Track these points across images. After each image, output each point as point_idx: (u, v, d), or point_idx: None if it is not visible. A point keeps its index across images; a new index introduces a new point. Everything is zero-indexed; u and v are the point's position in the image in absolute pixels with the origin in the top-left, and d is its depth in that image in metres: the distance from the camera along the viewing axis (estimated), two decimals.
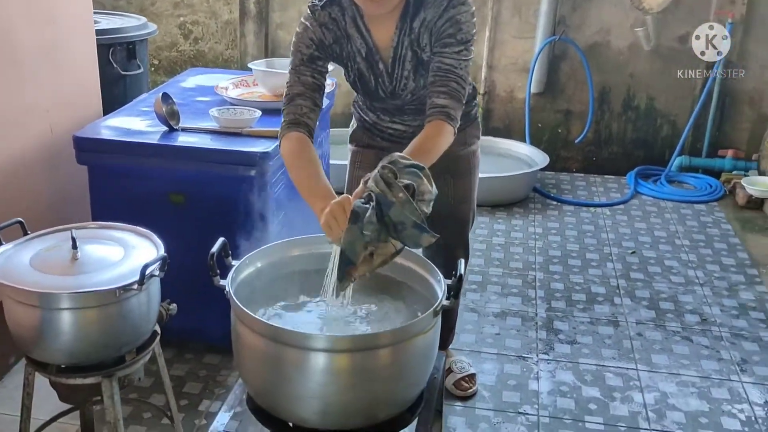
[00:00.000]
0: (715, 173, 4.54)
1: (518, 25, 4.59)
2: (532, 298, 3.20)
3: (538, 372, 2.68)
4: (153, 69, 4.92)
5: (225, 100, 2.80)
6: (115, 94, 3.37)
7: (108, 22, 3.62)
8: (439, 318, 1.50)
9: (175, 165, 2.42)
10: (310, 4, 1.95)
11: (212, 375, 2.59)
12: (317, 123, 1.92)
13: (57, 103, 2.71)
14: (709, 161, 4.57)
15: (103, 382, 1.77)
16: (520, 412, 2.47)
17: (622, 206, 4.24)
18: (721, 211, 4.18)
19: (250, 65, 2.99)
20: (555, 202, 4.27)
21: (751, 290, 3.31)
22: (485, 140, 4.70)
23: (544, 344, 2.86)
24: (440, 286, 1.54)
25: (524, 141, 4.63)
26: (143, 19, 3.83)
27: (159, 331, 1.91)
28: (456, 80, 1.86)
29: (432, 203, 1.53)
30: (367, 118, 2.24)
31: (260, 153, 2.37)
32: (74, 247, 1.75)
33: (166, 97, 2.51)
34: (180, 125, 2.53)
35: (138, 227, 1.91)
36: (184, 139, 2.46)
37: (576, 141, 4.66)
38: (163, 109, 2.48)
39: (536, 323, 3.01)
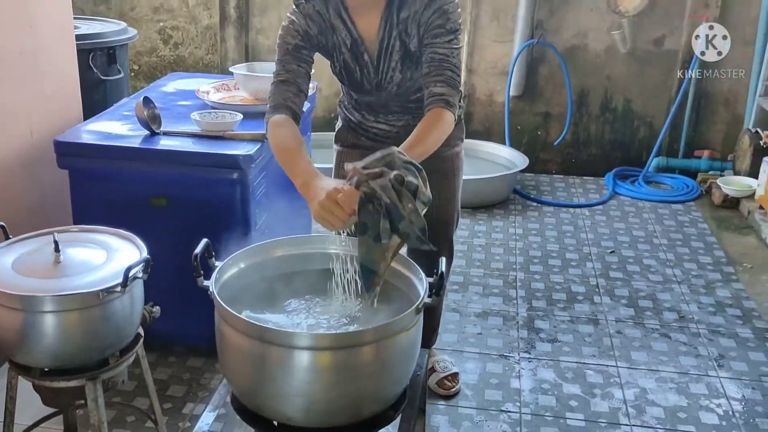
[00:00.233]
0: (692, 173, 4.61)
1: (497, 29, 4.63)
2: (513, 298, 3.24)
3: (519, 370, 2.71)
4: (133, 74, 4.91)
5: (206, 104, 2.81)
6: (96, 99, 3.36)
7: (88, 27, 3.62)
8: (422, 316, 1.52)
9: (157, 168, 2.43)
10: None
11: (196, 378, 2.60)
12: (303, 110, 1.93)
13: (37, 107, 2.70)
14: (686, 162, 4.65)
15: (87, 385, 1.77)
16: (502, 410, 2.49)
17: (600, 207, 4.29)
18: (697, 210, 4.25)
19: (231, 69, 3.00)
20: (535, 204, 4.31)
21: (727, 287, 3.37)
22: (466, 143, 4.73)
23: (525, 343, 2.89)
24: (422, 284, 1.56)
25: (504, 143, 4.67)
26: (123, 24, 3.83)
27: (142, 334, 1.91)
28: (451, 68, 1.90)
29: (426, 208, 1.55)
30: (352, 118, 2.26)
31: (242, 156, 2.38)
32: (57, 250, 1.76)
33: (147, 101, 2.52)
34: (161, 129, 2.53)
35: (120, 230, 1.92)
36: (165, 143, 2.47)
37: (555, 143, 4.71)
38: (145, 113, 2.48)
39: (517, 322, 3.04)
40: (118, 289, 1.69)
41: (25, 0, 2.61)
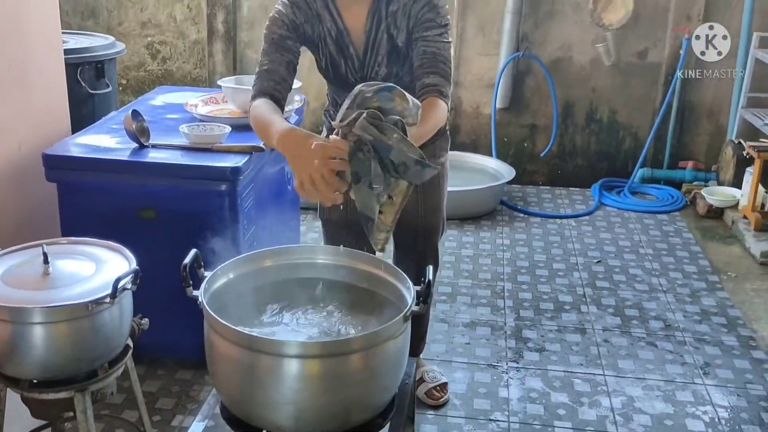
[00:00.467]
0: (676, 184, 4.66)
1: (482, 42, 4.68)
2: (500, 308, 3.26)
3: (507, 379, 2.73)
4: (121, 89, 4.91)
5: (194, 117, 2.83)
6: (84, 113, 3.37)
7: (76, 41, 3.63)
8: (409, 323, 1.54)
9: (145, 181, 2.44)
10: None
11: (185, 390, 2.60)
12: (286, 97, 1.94)
13: (25, 121, 2.71)
14: (671, 173, 4.70)
15: (76, 396, 1.77)
16: (491, 419, 2.51)
17: (587, 217, 4.33)
18: (682, 220, 4.30)
19: (219, 82, 3.02)
20: (522, 215, 4.35)
21: (712, 296, 3.40)
22: (453, 155, 4.78)
23: (513, 352, 2.91)
24: (409, 292, 1.57)
25: (491, 155, 4.71)
26: (111, 39, 3.83)
27: (131, 345, 1.92)
28: (443, 61, 1.93)
29: (417, 118, 1.52)
30: None
31: (231, 168, 2.39)
32: (46, 262, 1.76)
33: (136, 114, 2.53)
34: (150, 142, 2.55)
35: (109, 242, 1.92)
36: (154, 155, 2.48)
37: (541, 154, 4.75)
38: (134, 126, 2.50)
39: (505, 332, 3.06)
40: (107, 300, 1.70)
41: (14, 14, 2.62)
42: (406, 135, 1.46)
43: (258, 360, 1.40)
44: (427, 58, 1.93)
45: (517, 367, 2.81)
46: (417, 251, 2.40)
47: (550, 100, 4.61)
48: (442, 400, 2.58)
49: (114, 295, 1.69)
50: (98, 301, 1.69)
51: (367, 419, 1.51)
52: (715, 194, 4.30)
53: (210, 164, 2.41)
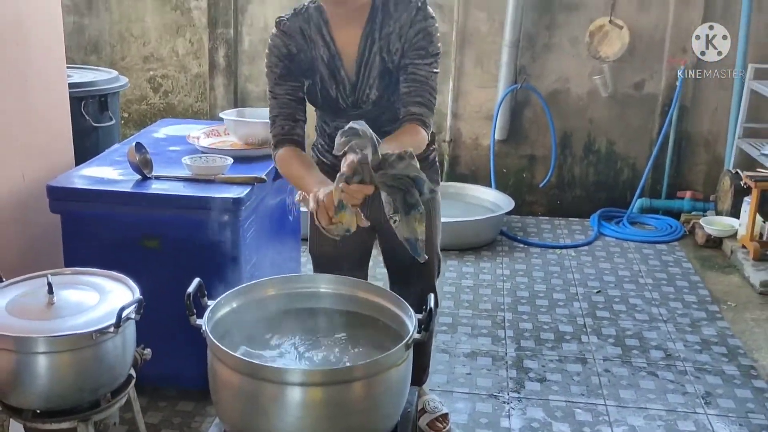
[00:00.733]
0: (675, 214, 4.69)
1: (480, 75, 4.74)
2: (501, 338, 3.26)
3: (509, 410, 2.73)
4: (123, 122, 4.96)
5: (197, 148, 2.86)
6: (87, 146, 3.41)
7: (80, 75, 3.69)
8: (411, 351, 1.55)
9: (149, 212, 2.46)
10: (277, 19, 2.05)
11: (187, 422, 2.59)
12: (304, 134, 2.01)
13: (30, 153, 2.75)
14: (669, 202, 4.73)
15: (79, 427, 1.78)
16: None
17: (586, 247, 4.35)
18: (681, 250, 4.31)
19: (221, 115, 3.06)
20: (522, 245, 4.36)
21: (712, 326, 3.41)
22: (453, 186, 4.86)
23: (514, 382, 2.91)
24: (411, 320, 1.59)
25: (490, 186, 4.74)
26: (114, 73, 3.90)
27: (134, 375, 1.92)
28: (429, 91, 1.97)
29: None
30: (326, 161, 2.24)
31: (233, 199, 2.42)
32: (50, 292, 1.78)
33: (139, 146, 2.56)
34: (153, 173, 2.57)
35: (113, 272, 1.94)
36: (157, 187, 2.51)
37: (540, 185, 4.79)
38: (137, 158, 2.52)
39: (506, 362, 3.06)
40: (111, 329, 1.71)
41: (21, 50, 2.67)
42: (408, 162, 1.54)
43: (261, 388, 1.41)
44: (415, 86, 1.96)
45: (518, 397, 2.81)
46: (415, 291, 2.37)
47: (549, 131, 4.66)
48: (444, 430, 2.57)
49: (118, 324, 1.71)
50: (102, 331, 1.71)
51: None
52: (714, 224, 4.32)
53: (212, 195, 2.44)
